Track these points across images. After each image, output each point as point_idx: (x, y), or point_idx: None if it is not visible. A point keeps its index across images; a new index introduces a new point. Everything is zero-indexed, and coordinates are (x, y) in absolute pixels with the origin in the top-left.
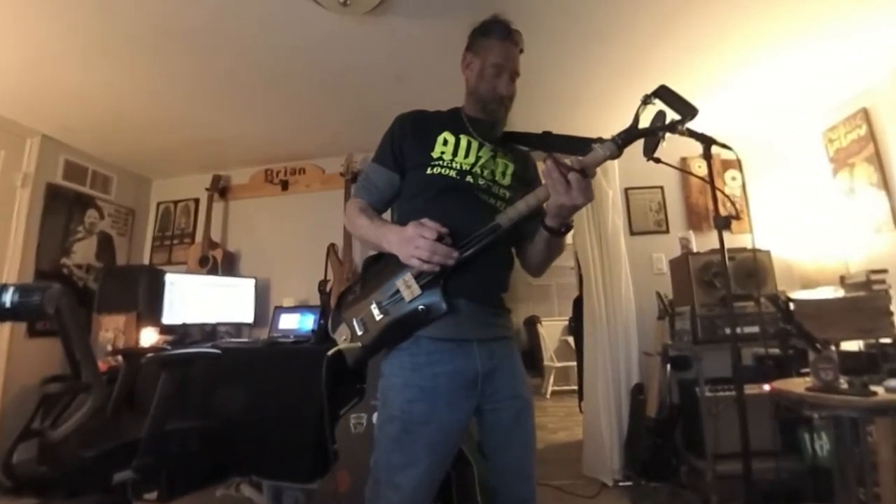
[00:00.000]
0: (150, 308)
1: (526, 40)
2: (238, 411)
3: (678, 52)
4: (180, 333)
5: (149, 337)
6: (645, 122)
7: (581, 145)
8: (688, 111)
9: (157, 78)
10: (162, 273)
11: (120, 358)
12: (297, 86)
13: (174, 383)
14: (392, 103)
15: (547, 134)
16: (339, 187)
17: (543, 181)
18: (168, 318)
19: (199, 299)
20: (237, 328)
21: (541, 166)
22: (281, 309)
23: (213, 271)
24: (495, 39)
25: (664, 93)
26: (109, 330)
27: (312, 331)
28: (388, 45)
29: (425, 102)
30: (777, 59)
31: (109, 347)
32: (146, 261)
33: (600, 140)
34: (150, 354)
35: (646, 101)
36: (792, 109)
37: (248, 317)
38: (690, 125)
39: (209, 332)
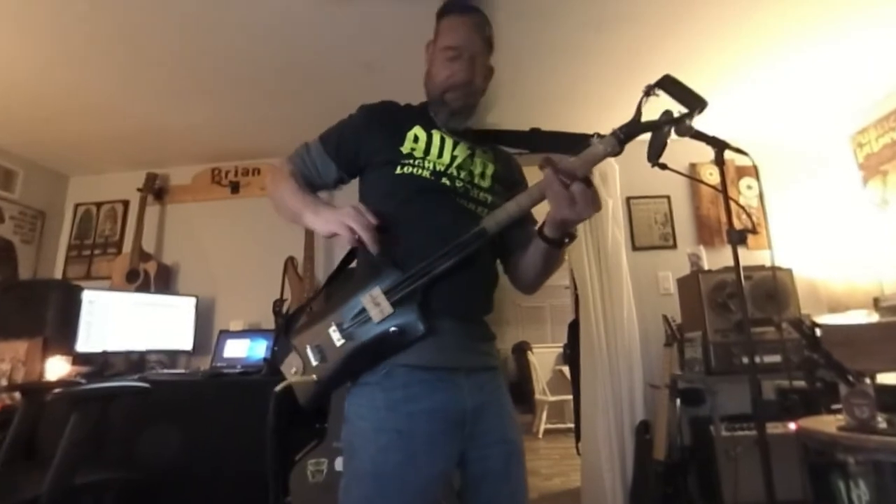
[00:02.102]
0: (62, 332)
1: (515, 27)
2: (169, 459)
3: (687, 46)
4: (99, 364)
5: (57, 368)
6: (648, 118)
7: (574, 144)
8: (696, 103)
9: (82, 53)
10: (78, 290)
11: (18, 395)
12: (252, 72)
13: (88, 425)
14: (361, 95)
15: (535, 131)
16: None
17: (541, 189)
18: (84, 344)
19: (125, 322)
20: (172, 357)
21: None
22: (227, 333)
23: (145, 288)
24: (449, 19)
25: (668, 83)
26: (5, 360)
27: (264, 359)
28: (359, 29)
29: (399, 94)
30: (799, 54)
31: (4, 382)
32: (58, 274)
33: (598, 135)
34: (57, 390)
35: (649, 91)
36: (816, 110)
37: (186, 343)
38: (702, 127)
39: (136, 361)
